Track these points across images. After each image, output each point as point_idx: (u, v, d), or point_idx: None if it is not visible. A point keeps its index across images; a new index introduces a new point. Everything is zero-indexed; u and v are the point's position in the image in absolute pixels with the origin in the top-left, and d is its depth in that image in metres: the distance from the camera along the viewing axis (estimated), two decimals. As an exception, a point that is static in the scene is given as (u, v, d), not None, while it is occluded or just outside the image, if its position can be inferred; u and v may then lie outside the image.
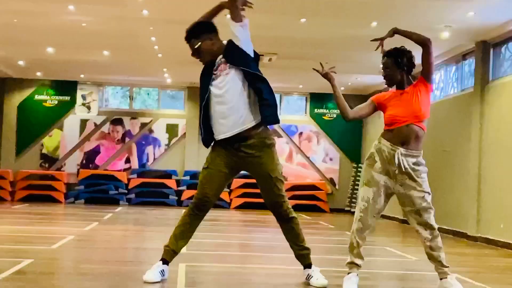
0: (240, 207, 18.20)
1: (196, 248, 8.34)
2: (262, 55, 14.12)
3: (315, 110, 19.69)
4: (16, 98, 18.97)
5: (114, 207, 16.92)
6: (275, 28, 11.57)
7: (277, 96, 20.11)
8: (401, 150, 5.35)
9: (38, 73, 18.22)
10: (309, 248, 5.69)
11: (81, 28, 11.85)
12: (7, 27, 11.99)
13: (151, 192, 18.59)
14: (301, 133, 19.63)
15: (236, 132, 5.42)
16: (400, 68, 5.50)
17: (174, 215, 14.34)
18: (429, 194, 5.42)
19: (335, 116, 19.51)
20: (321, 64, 5.72)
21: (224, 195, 18.41)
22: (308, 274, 5.66)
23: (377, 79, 16.92)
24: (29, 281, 5.39)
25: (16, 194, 18.33)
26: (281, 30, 11.74)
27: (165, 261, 5.56)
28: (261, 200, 18.07)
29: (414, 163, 5.36)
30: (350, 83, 17.73)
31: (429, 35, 11.31)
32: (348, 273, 5.49)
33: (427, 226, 5.39)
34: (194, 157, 19.13)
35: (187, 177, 18.71)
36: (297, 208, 18.02)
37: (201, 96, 5.52)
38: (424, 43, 5.44)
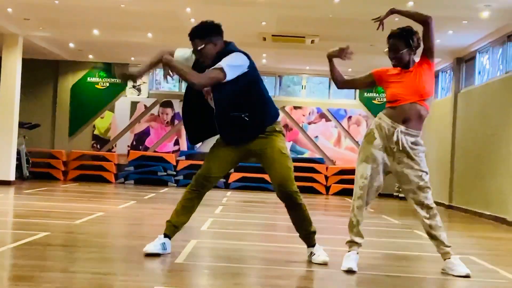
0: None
1: (218, 226, 8.44)
2: (304, 37, 14.08)
3: (365, 94, 19.46)
4: (69, 80, 19.46)
5: (161, 188, 17.21)
6: (310, 8, 11.49)
7: (325, 80, 20.28)
8: (401, 128, 5.28)
9: (90, 56, 18.61)
10: (316, 231, 5.67)
11: (121, 9, 12.05)
12: (48, 8, 12.28)
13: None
14: (350, 117, 19.44)
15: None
16: (410, 48, 5.41)
17: (217, 196, 14.48)
18: (426, 173, 5.36)
19: (385, 100, 19.19)
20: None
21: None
22: (311, 252, 5.65)
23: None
24: (33, 251, 5.56)
25: (68, 173, 18.85)
26: (316, 10, 11.65)
27: (167, 236, 5.64)
28: (311, 184, 18.05)
29: (412, 142, 5.30)
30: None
31: (469, 15, 11.15)
32: (348, 251, 5.46)
33: (424, 205, 5.34)
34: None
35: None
36: (344, 192, 17.98)
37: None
38: (426, 21, 5.39)
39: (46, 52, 17.61)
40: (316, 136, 19.37)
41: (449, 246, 5.42)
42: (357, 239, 5.46)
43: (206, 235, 7.45)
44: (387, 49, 5.53)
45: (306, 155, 19.20)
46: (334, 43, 14.93)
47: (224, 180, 18.72)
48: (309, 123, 19.51)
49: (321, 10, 11.61)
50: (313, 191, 18.39)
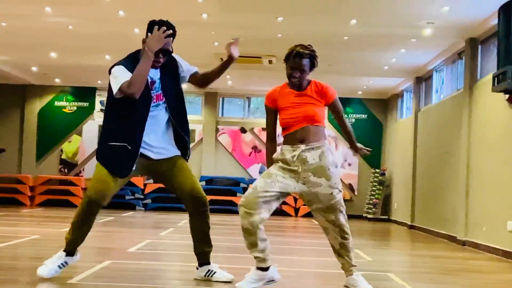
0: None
1: (151, 248, 8.33)
2: (260, 57, 14.12)
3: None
4: (37, 105, 19.42)
5: (128, 211, 17.13)
6: (257, 28, 11.52)
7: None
8: (302, 146, 5.12)
9: (57, 80, 18.61)
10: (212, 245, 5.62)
11: (70, 31, 12.03)
12: (-1, 31, 12.27)
13: (167, 197, 18.63)
14: (319, 138, 19.37)
15: None
16: (312, 70, 5.19)
17: (177, 219, 14.36)
18: (339, 191, 5.09)
19: (353, 120, 19.21)
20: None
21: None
22: (209, 270, 5.55)
23: (392, 81, 16.62)
24: None
25: (35, 199, 18.71)
26: (263, 31, 11.67)
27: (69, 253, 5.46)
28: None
29: (319, 156, 5.07)
30: (365, 86, 17.44)
31: (411, 32, 11.15)
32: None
33: (336, 225, 5.07)
34: (211, 162, 19.25)
35: (203, 183, 18.70)
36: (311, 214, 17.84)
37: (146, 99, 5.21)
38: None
39: (12, 77, 17.62)
40: (285, 158, 19.31)
41: (355, 266, 5.25)
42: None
43: (129, 256, 7.34)
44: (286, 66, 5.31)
45: (275, 177, 19.11)
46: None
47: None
48: (278, 145, 19.43)
49: (268, 30, 11.61)
50: (282, 213, 18.30)
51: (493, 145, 9.82)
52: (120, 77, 5.06)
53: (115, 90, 5.06)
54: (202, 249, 5.58)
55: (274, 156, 5.19)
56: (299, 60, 5.12)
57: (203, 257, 5.58)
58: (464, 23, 10.29)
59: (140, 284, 5.48)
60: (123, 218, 14.47)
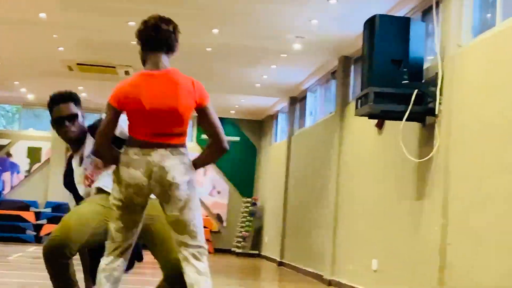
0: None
1: None
2: (114, 67, 13.66)
3: (202, 136, 19.18)
4: None
5: None
6: (105, 32, 11.08)
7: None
8: None
9: None
10: None
11: None
12: None
13: (4, 226, 17.71)
14: (185, 161, 19.06)
15: None
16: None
17: (11, 252, 13.57)
18: None
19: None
20: None
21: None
22: None
23: (267, 101, 16.58)
24: None
25: None
26: (112, 35, 11.23)
27: None
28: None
29: None
30: (237, 105, 17.32)
31: (280, 47, 11.04)
32: None
33: None
34: (59, 186, 18.42)
35: (49, 209, 17.93)
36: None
37: None
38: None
39: None
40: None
41: None
42: None
43: None
44: None
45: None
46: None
47: (35, 234, 17.78)
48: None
49: (119, 35, 11.17)
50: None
51: (362, 175, 9.83)
52: None
53: None
54: None
55: None
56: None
57: None
58: (335, 40, 10.29)
59: None
60: None
